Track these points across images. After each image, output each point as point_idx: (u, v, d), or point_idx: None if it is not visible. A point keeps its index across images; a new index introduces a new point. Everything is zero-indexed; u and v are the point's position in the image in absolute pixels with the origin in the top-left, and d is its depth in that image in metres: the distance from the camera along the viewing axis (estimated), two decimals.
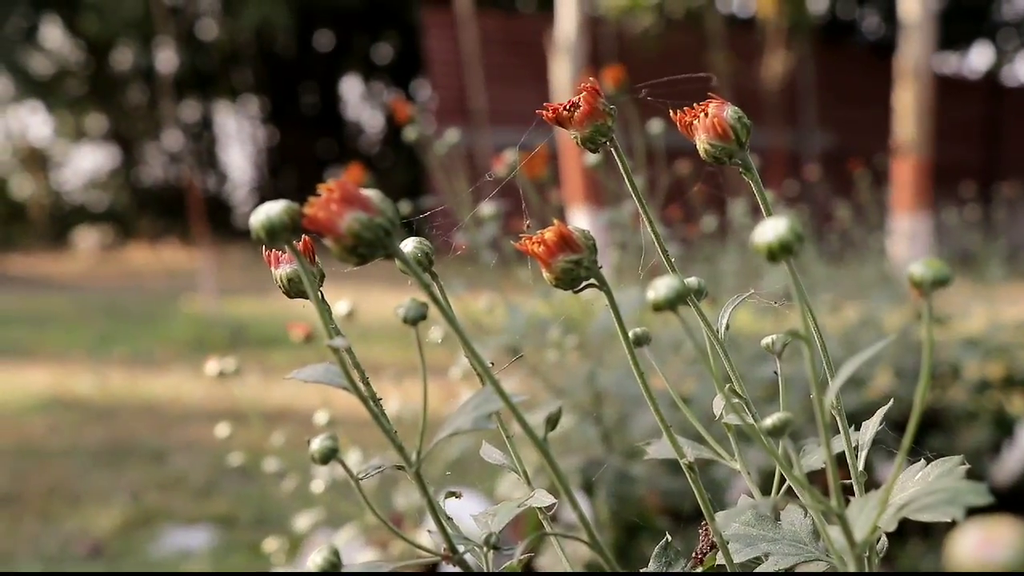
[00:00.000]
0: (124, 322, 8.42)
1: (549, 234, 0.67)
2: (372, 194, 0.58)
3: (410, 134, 2.01)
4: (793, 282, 0.57)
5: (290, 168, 16.60)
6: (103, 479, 4.08)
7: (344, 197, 0.57)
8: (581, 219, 6.48)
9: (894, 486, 0.64)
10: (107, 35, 15.10)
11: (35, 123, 17.40)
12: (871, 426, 0.74)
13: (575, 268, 0.67)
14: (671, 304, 0.56)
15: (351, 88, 17.88)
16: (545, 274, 0.68)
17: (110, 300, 10.23)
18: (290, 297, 0.75)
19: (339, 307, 1.59)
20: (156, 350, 7.01)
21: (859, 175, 3.72)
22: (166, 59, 13.67)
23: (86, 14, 14.60)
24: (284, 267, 0.75)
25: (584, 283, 0.68)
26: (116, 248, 14.88)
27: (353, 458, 1.73)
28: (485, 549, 0.68)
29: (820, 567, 0.71)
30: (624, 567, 1.55)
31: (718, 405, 0.76)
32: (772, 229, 0.56)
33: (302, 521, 1.98)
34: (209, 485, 3.98)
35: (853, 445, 0.75)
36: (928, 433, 2.91)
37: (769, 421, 0.62)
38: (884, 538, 0.72)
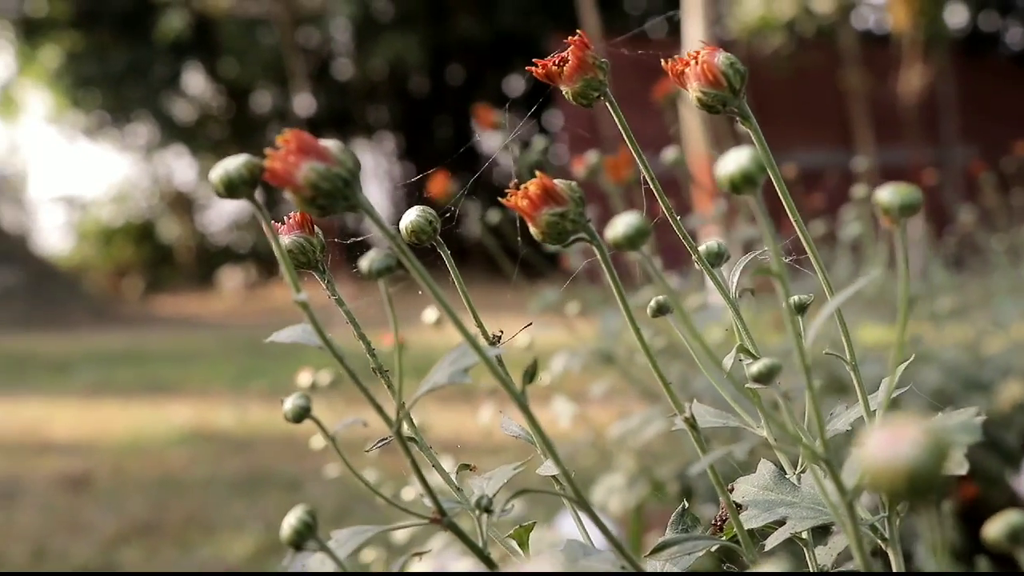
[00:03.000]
0: (264, 358, 8.56)
1: (532, 187, 0.65)
2: (331, 144, 0.58)
3: (491, 139, 2.01)
4: (759, 217, 0.55)
5: (426, 204, 16.63)
6: (239, 508, 4.13)
7: (300, 147, 0.56)
8: (714, 239, 6.39)
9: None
10: (246, 79, 15.44)
11: (180, 167, 17.80)
12: (889, 385, 0.71)
13: (560, 221, 0.65)
14: (631, 242, 0.54)
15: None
16: (531, 228, 0.66)
17: (251, 337, 10.42)
18: (295, 267, 0.75)
19: (427, 316, 1.58)
20: (293, 384, 7.10)
21: (984, 178, 3.62)
22: (302, 100, 13.93)
23: (226, 59, 14.95)
24: (284, 238, 0.74)
25: (572, 237, 0.66)
26: (259, 287, 15.15)
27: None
28: (477, 512, 0.66)
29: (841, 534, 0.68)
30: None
31: (728, 363, 0.74)
32: (734, 159, 0.54)
33: (401, 534, 1.97)
34: (341, 512, 4.01)
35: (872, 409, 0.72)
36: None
37: (755, 367, 0.60)
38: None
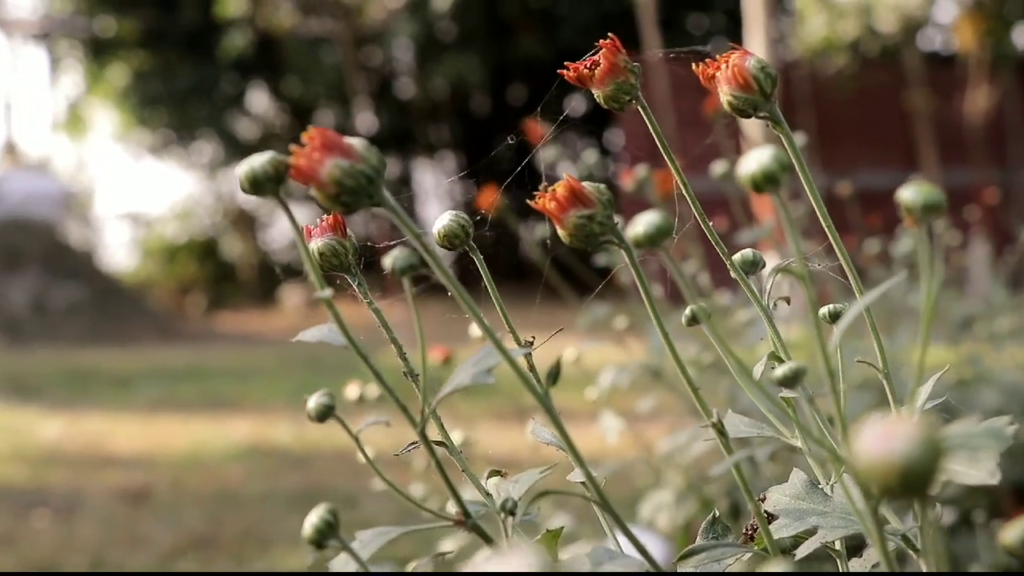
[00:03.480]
0: (323, 374, 8.59)
1: (560, 189, 0.65)
2: (356, 141, 0.58)
3: (548, 155, 2.01)
4: (783, 215, 0.55)
5: (483, 222, 16.66)
6: (295, 523, 4.14)
7: (325, 144, 0.57)
8: (772, 259, 6.35)
9: None
10: (309, 98, 15.54)
11: None
12: (925, 390, 0.70)
13: (588, 223, 0.65)
14: (651, 240, 0.54)
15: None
16: (559, 231, 0.66)
17: (311, 354, 10.47)
18: (324, 271, 0.75)
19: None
20: (351, 399, 7.12)
21: None
22: (364, 119, 14.01)
23: (289, 78, 15.07)
24: (316, 240, 0.75)
25: (601, 239, 0.66)
26: (320, 304, 15.11)
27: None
28: (502, 515, 0.66)
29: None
30: None
31: (759, 371, 0.73)
32: (756, 159, 0.54)
33: (448, 544, 1.97)
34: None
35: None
36: None
37: (780, 370, 0.59)
38: (938, 505, 0.67)
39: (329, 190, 0.56)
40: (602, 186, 0.66)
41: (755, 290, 0.77)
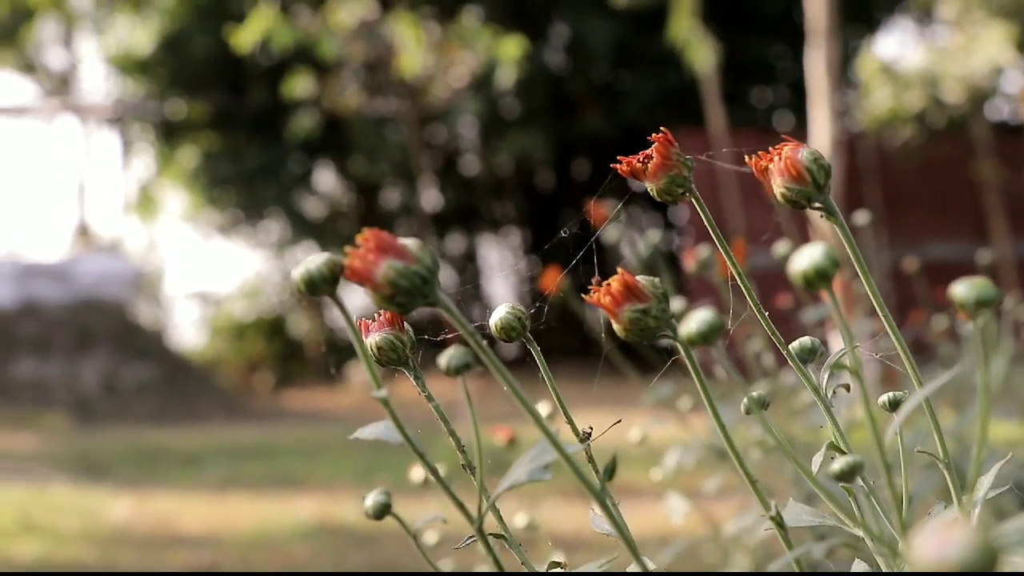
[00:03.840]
0: (389, 452, 8.57)
1: (615, 283, 0.66)
2: (410, 242, 0.59)
3: (612, 235, 2.01)
4: (834, 312, 0.55)
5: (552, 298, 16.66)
6: None
7: (379, 246, 0.58)
8: (837, 338, 6.28)
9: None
10: (375, 176, 15.68)
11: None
12: (987, 480, 0.69)
13: (643, 318, 0.65)
14: (704, 338, 0.54)
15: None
16: (615, 325, 0.67)
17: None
18: (382, 365, 0.76)
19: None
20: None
21: None
22: (429, 196, 14.11)
23: (355, 157, 15.23)
24: (375, 335, 0.75)
25: (656, 334, 0.67)
26: (385, 382, 15.14)
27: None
28: None
29: None
30: None
31: (816, 462, 0.73)
32: (807, 256, 0.54)
33: None
34: None
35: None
36: None
37: (837, 465, 0.59)
38: None
39: (384, 291, 0.57)
40: (656, 280, 0.67)
41: (812, 378, 0.76)
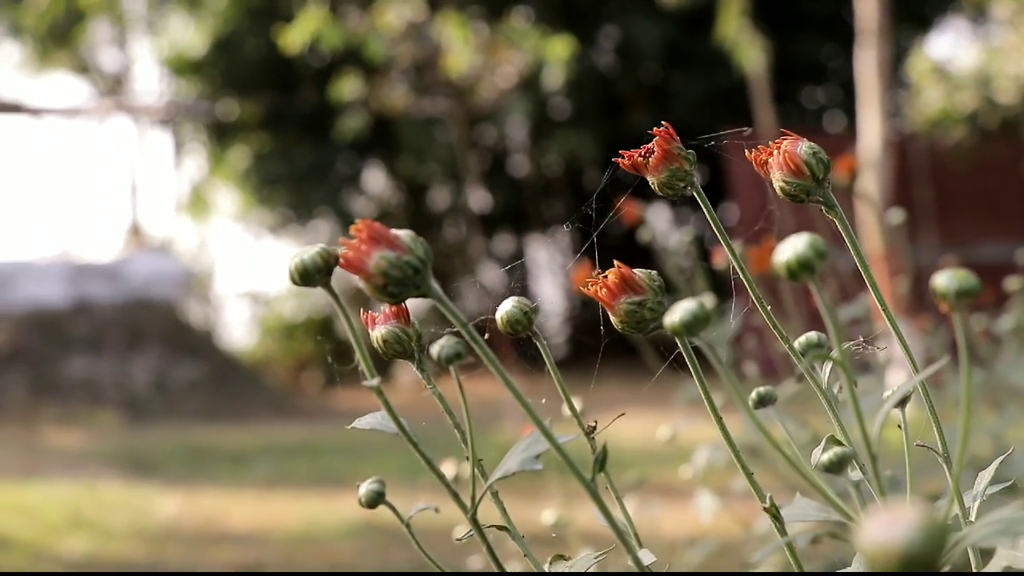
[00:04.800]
0: (433, 451, 8.56)
1: (611, 276, 0.66)
2: (403, 233, 0.59)
3: (644, 235, 2.01)
4: (820, 304, 0.55)
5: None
6: None
7: (372, 236, 0.58)
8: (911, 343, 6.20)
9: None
10: (423, 177, 15.72)
11: None
12: (985, 477, 0.69)
13: (638, 310, 0.66)
14: (688, 329, 0.55)
15: (657, 215, 18.02)
16: (612, 317, 0.67)
17: (423, 430, 10.50)
18: (386, 359, 0.76)
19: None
20: (461, 478, 7.13)
21: None
22: (478, 196, 14.11)
23: (404, 157, 15.26)
24: (380, 328, 0.76)
25: (652, 326, 0.67)
26: (437, 379, 15.15)
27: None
28: None
29: None
30: None
31: (816, 456, 0.73)
32: (791, 246, 0.54)
33: None
34: None
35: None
36: None
37: (826, 456, 0.59)
38: None
39: (376, 281, 0.58)
40: (654, 272, 0.67)
41: (817, 374, 0.77)
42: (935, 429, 0.73)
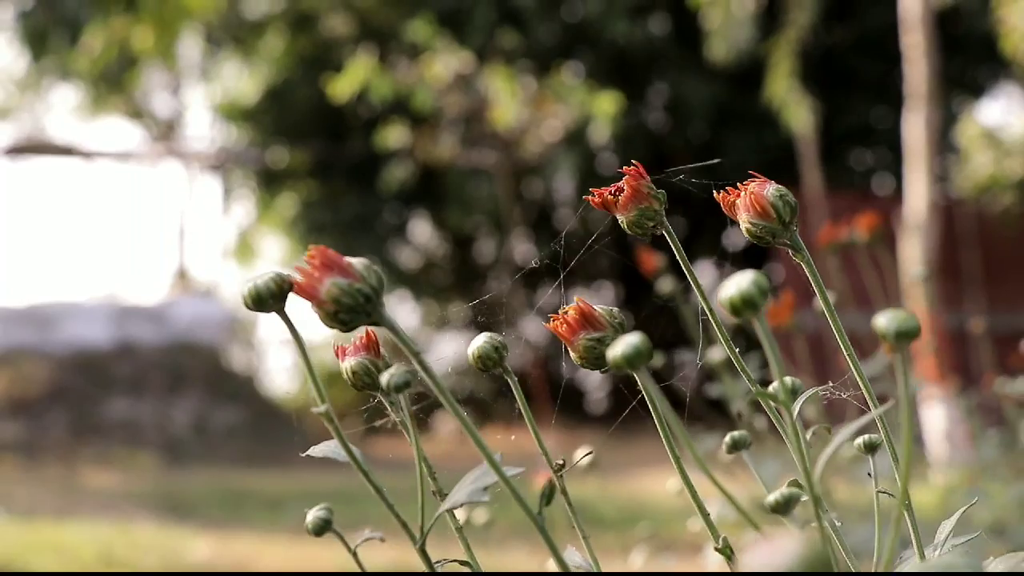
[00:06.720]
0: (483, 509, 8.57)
1: (571, 312, 0.66)
2: (356, 262, 0.60)
3: (664, 286, 2.01)
4: (765, 342, 0.55)
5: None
6: None
7: (325, 263, 0.59)
8: (938, 409, 6.19)
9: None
10: (469, 228, 15.77)
11: (403, 312, 18.19)
12: (948, 525, 0.69)
13: (597, 346, 0.66)
14: (630, 363, 0.55)
15: (703, 273, 17.97)
16: (571, 353, 0.67)
17: (461, 479, 10.49)
18: (357, 389, 0.76)
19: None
20: (496, 526, 7.11)
21: None
22: (523, 248, 14.13)
23: (450, 209, 15.31)
24: (350, 359, 0.76)
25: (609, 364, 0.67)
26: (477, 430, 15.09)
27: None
28: None
29: None
30: None
31: (771, 499, 0.72)
32: (735, 283, 0.54)
33: None
34: None
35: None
36: None
37: (772, 497, 0.59)
38: None
39: (328, 307, 0.58)
40: (615, 310, 0.67)
41: (791, 418, 0.76)
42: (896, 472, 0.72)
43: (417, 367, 0.59)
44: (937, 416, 5.94)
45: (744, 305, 0.53)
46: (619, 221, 0.74)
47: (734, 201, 0.71)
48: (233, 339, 13.86)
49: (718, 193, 0.73)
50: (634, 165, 0.75)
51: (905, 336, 0.51)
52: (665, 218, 0.74)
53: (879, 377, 1.96)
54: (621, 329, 0.66)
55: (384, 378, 0.59)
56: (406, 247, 17.06)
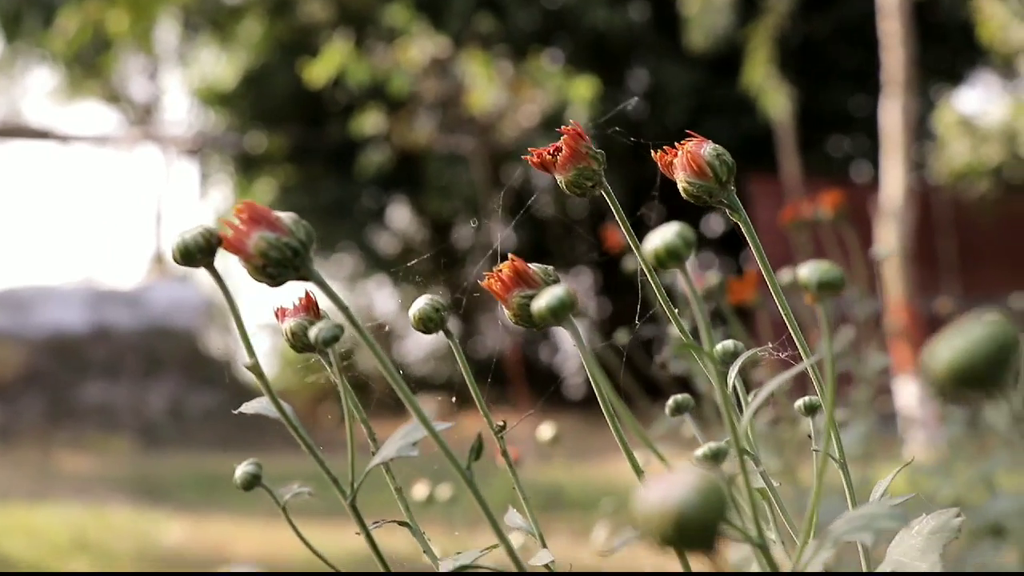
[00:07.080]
0: (446, 483, 8.57)
1: (505, 269, 0.66)
2: (285, 215, 0.59)
3: (629, 264, 2.01)
4: (690, 291, 0.55)
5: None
6: None
7: (252, 217, 0.58)
8: (910, 390, 6.24)
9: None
10: (447, 213, 15.76)
11: (381, 297, 18.17)
12: (881, 487, 0.69)
13: (530, 304, 0.65)
14: (554, 314, 0.54)
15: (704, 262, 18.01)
16: (504, 311, 0.67)
17: (440, 465, 10.49)
18: (296, 351, 0.76)
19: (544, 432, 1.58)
20: (472, 510, 7.11)
21: None
22: (502, 234, 14.13)
23: (428, 194, 15.29)
24: (289, 320, 0.76)
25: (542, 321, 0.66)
26: (451, 418, 15.09)
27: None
28: None
29: None
30: None
31: (701, 449, 0.72)
32: (660, 235, 0.54)
33: None
34: None
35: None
36: None
37: (701, 450, 0.59)
38: None
39: (255, 261, 0.58)
40: (550, 268, 0.67)
41: (715, 364, 0.76)
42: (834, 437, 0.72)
43: (346, 321, 0.58)
44: (909, 396, 5.97)
45: (668, 256, 0.53)
46: (557, 181, 0.74)
47: (671, 160, 0.70)
48: (210, 323, 13.84)
49: (655, 152, 0.72)
50: (572, 125, 0.74)
51: (827, 286, 0.51)
52: (604, 178, 0.74)
53: (843, 354, 1.97)
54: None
55: (312, 332, 0.59)
56: (384, 232, 17.03)
